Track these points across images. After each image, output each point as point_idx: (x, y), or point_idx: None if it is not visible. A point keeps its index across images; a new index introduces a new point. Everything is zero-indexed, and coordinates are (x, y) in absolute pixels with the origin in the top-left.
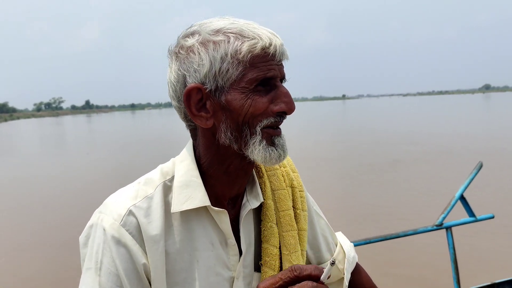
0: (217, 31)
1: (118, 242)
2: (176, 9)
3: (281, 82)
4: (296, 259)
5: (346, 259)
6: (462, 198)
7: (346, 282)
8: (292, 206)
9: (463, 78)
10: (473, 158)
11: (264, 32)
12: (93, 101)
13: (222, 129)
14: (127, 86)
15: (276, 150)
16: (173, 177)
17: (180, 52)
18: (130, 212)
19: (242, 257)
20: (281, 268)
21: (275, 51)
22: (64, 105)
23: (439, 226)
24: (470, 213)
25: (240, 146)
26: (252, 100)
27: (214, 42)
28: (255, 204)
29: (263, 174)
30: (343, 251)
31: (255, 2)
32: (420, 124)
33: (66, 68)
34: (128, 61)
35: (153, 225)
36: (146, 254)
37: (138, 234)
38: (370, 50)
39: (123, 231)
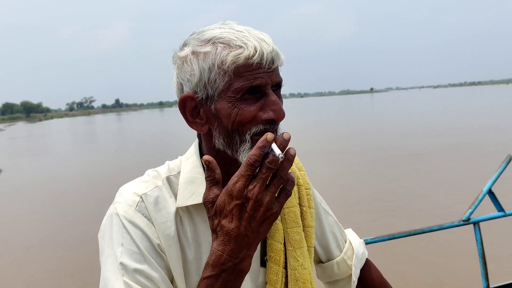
0: (208, 41)
1: (135, 224)
2: (203, 8)
3: (278, 87)
4: (301, 255)
5: (354, 255)
6: (490, 193)
7: (354, 278)
8: (298, 204)
9: (496, 68)
10: (502, 151)
11: (251, 40)
12: (123, 100)
13: (216, 135)
14: (155, 85)
15: None
16: (179, 173)
17: (178, 62)
18: (143, 199)
19: None
20: (286, 264)
21: (261, 59)
22: (95, 104)
23: (467, 221)
24: (499, 207)
25: (232, 152)
26: (238, 109)
27: (204, 53)
28: None
29: None
30: (352, 248)
31: None
32: (448, 117)
33: (96, 68)
34: (156, 59)
35: (164, 212)
36: (159, 238)
37: (152, 217)
38: (399, 41)
39: (139, 215)
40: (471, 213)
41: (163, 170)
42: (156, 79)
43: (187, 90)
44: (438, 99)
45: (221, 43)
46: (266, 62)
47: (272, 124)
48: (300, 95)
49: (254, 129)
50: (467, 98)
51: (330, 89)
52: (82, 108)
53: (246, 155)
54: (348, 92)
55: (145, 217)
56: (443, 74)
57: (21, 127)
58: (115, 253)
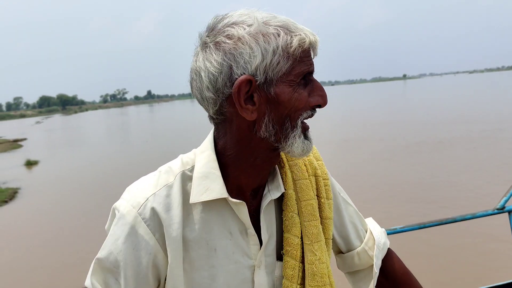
0: (266, 23)
1: (132, 229)
2: None
3: None
4: (318, 249)
5: (376, 246)
6: None
7: (376, 269)
8: (316, 195)
9: None
10: None
11: (306, 29)
12: (154, 91)
13: (264, 121)
14: (186, 76)
15: (310, 143)
16: (193, 167)
17: (226, 42)
18: (149, 201)
19: (263, 246)
20: (302, 258)
21: (314, 48)
22: (128, 96)
23: (501, 210)
24: None
25: (278, 139)
26: (298, 93)
27: (264, 34)
28: (276, 194)
29: (284, 165)
30: (373, 238)
31: None
32: (483, 103)
33: (128, 60)
34: (186, 50)
35: (171, 213)
36: (159, 243)
37: (154, 223)
38: (432, 25)
39: (139, 219)
40: (506, 201)
41: (177, 164)
42: (187, 70)
43: (241, 73)
44: (473, 85)
45: (280, 27)
46: (315, 50)
47: (315, 110)
48: (331, 83)
49: (304, 115)
50: (504, 83)
51: (362, 77)
52: (115, 100)
53: (296, 140)
54: (380, 79)
55: (145, 222)
56: (479, 59)
57: (57, 119)
58: (106, 254)
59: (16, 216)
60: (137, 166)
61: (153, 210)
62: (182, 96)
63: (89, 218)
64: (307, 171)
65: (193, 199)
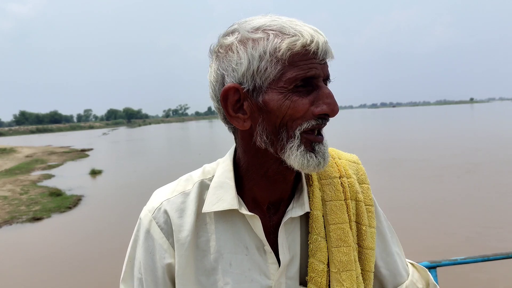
0: (257, 29)
1: (148, 234)
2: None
3: (325, 82)
4: (347, 279)
5: (429, 280)
6: None
7: None
8: (356, 221)
9: None
10: None
11: (306, 29)
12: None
13: (258, 131)
14: None
15: (316, 157)
16: (213, 177)
17: (220, 51)
18: (162, 206)
19: (283, 267)
20: (329, 287)
21: (317, 49)
22: (189, 111)
23: None
24: None
25: (276, 150)
26: (290, 101)
27: (253, 40)
28: (298, 213)
29: (312, 183)
30: (416, 270)
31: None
32: None
33: (191, 76)
34: None
35: (184, 220)
36: (173, 248)
37: (167, 227)
38: (503, 47)
39: (154, 223)
40: None
41: (197, 173)
42: None
43: (230, 81)
44: None
45: (272, 30)
46: (321, 52)
47: (324, 120)
48: (392, 105)
49: (305, 125)
50: None
51: (425, 99)
52: (177, 115)
53: (293, 152)
54: (445, 102)
55: (159, 226)
56: None
57: (122, 132)
58: (128, 255)
59: (78, 222)
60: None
61: (166, 214)
62: None
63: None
64: (343, 193)
65: (206, 208)
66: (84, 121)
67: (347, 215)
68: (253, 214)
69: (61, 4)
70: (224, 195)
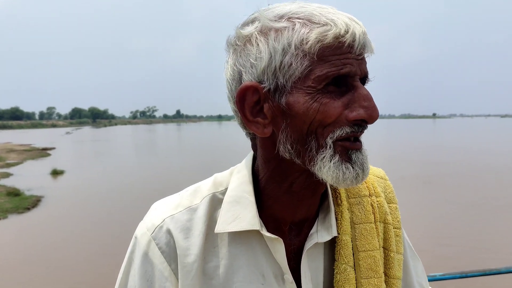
0: (281, 17)
1: (145, 257)
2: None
3: (362, 82)
4: None
5: None
6: None
7: None
8: (383, 247)
9: None
10: None
11: (340, 17)
12: (183, 111)
13: (281, 139)
14: (215, 98)
15: (353, 168)
16: (226, 189)
17: (237, 44)
18: (165, 224)
19: None
20: None
21: (353, 41)
22: (157, 114)
23: None
24: None
25: (304, 161)
26: (320, 104)
27: (276, 30)
28: (324, 237)
29: (341, 202)
30: None
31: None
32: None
33: (161, 79)
34: (219, 74)
35: (191, 242)
36: (175, 275)
37: (169, 249)
38: (465, 66)
39: (153, 245)
40: None
41: (207, 185)
42: (216, 92)
43: (248, 78)
44: (506, 129)
45: (299, 18)
46: (357, 45)
47: (361, 126)
48: None
49: (338, 132)
50: None
51: (390, 112)
52: (144, 116)
53: (326, 164)
54: (409, 116)
55: (159, 248)
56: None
57: (87, 131)
58: (121, 274)
59: (36, 225)
60: (157, 180)
61: (169, 234)
62: (210, 118)
63: (105, 230)
64: (373, 213)
65: (219, 228)
66: (46, 119)
67: (377, 240)
68: (276, 236)
69: (28, 5)
70: (242, 213)
